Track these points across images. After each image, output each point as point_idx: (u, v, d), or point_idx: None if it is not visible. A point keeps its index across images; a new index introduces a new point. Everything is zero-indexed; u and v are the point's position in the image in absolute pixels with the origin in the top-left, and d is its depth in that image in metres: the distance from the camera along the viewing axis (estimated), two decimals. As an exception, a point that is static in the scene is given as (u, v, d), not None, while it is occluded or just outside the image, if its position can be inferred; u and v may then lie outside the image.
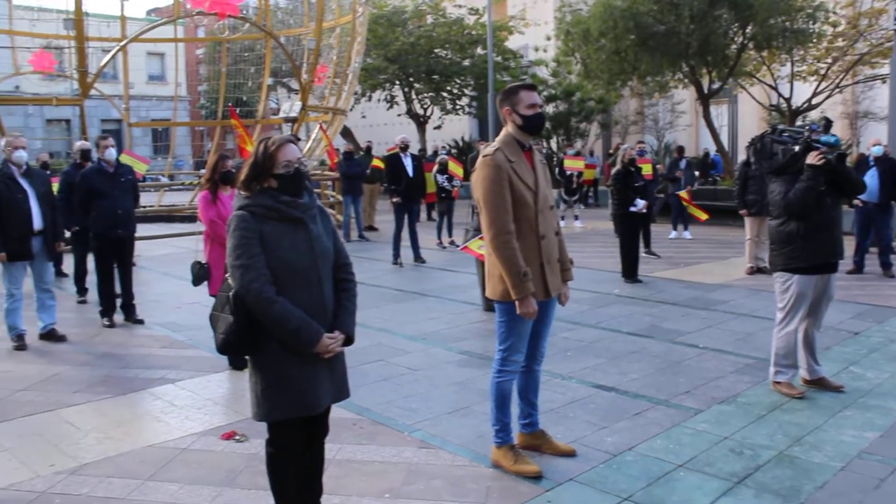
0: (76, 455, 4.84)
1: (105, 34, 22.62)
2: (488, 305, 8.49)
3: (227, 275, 3.32)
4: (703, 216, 12.38)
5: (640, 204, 10.43)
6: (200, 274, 6.32)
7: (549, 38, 26.39)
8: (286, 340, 3.23)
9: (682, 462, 4.51)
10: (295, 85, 27.77)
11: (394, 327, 7.99)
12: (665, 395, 5.75)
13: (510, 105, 4.32)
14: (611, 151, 21.80)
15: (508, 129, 4.36)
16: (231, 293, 3.24)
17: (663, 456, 4.60)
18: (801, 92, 19.95)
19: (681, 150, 16.01)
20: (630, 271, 10.44)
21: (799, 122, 16.23)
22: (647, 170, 12.65)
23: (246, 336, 3.25)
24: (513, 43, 28.80)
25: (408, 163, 12.21)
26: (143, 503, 4.15)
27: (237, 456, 4.75)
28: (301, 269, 3.28)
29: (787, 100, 19.59)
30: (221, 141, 24.29)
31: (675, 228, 15.19)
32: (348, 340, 3.41)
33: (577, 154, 19.58)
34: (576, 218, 17.53)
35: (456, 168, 14.56)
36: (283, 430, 3.41)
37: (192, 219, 18.77)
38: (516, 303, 4.19)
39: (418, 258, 12.33)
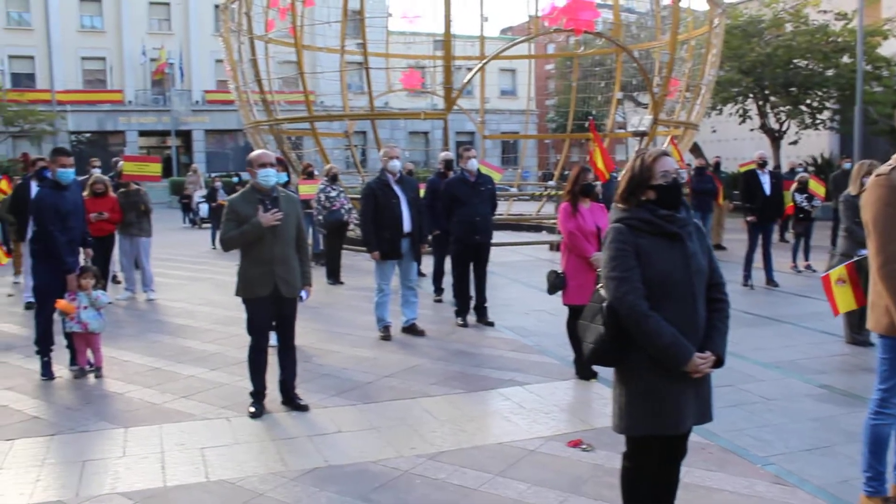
0: (434, 442, 5.21)
1: (467, 53, 24.31)
2: (852, 338, 7.78)
3: (599, 286, 3.36)
4: None
5: None
6: (556, 283, 6.48)
7: (933, 43, 23.64)
8: (656, 356, 3.20)
9: None
10: (642, 99, 27.68)
11: (744, 352, 7.58)
12: None
13: (912, 118, 3.89)
14: None
15: (907, 145, 3.93)
16: (604, 304, 3.28)
17: None
18: None
19: None
20: None
21: None
22: None
23: (615, 347, 3.26)
24: (887, 49, 26.14)
25: (765, 180, 11.54)
26: (494, 497, 4.35)
27: (583, 464, 4.81)
28: (675, 285, 3.23)
29: None
30: (568, 154, 24.88)
31: None
32: (718, 362, 3.30)
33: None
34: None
35: (817, 187, 13.51)
36: (642, 445, 3.38)
37: (537, 228, 19.47)
38: (903, 339, 3.77)
39: (771, 281, 11.61)
